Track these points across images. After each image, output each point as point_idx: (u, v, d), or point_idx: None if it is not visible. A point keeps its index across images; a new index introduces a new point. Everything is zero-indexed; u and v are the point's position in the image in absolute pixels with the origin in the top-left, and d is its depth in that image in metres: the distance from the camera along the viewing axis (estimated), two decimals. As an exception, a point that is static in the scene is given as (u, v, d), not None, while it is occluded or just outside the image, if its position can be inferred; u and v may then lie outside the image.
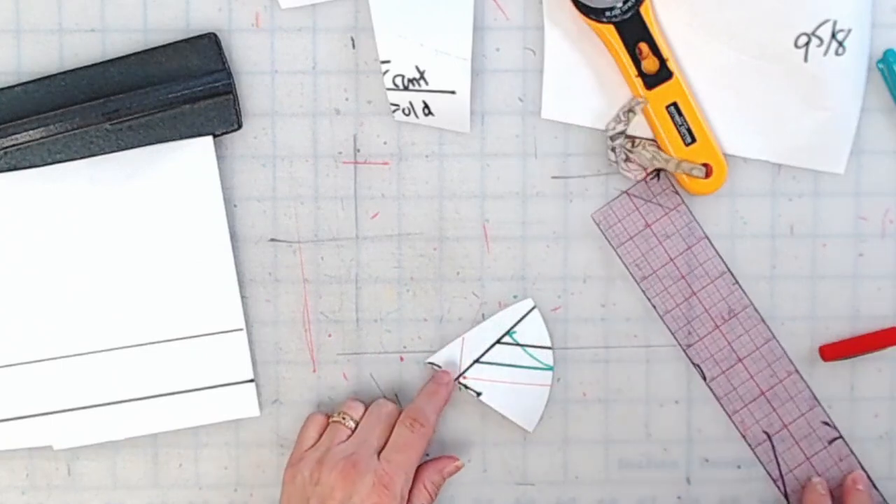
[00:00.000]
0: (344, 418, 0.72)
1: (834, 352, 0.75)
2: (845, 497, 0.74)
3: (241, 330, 0.74)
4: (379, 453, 0.70)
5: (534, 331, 0.75)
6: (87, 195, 0.72)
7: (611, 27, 0.72)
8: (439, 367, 0.75)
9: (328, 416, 0.74)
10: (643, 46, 0.72)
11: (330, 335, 0.75)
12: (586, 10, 0.72)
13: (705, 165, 0.73)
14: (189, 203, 0.73)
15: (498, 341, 0.75)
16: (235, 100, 0.73)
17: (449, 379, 0.74)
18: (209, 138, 0.73)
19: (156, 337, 0.73)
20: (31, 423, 0.73)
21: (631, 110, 0.73)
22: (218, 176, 0.73)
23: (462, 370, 0.75)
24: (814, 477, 0.75)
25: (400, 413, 0.73)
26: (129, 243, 0.73)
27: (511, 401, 0.75)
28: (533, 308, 0.75)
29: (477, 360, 0.75)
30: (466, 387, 0.75)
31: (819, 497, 0.74)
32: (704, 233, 0.75)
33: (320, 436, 0.73)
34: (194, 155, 0.73)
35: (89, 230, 0.73)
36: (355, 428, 0.72)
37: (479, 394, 0.75)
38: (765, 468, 0.76)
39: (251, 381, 0.74)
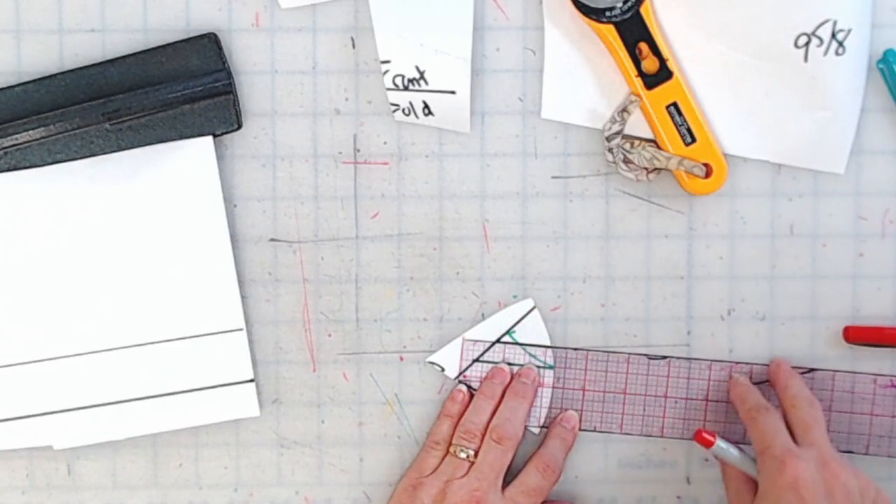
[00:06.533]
0: (462, 450, 0.72)
1: (859, 334, 0.75)
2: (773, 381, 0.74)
3: (241, 330, 0.74)
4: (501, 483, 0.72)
5: (534, 330, 0.75)
6: (87, 195, 0.72)
7: (611, 27, 0.72)
8: (440, 367, 0.75)
9: (448, 445, 0.73)
10: (643, 46, 0.72)
11: (330, 335, 0.75)
12: (586, 10, 0.72)
13: (705, 165, 0.73)
14: (189, 203, 0.73)
15: (498, 341, 0.75)
16: (235, 100, 0.73)
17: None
18: (209, 138, 0.73)
19: (156, 337, 0.73)
20: (31, 423, 0.73)
21: (625, 110, 0.73)
22: (218, 176, 0.73)
23: (462, 370, 0.75)
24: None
25: (518, 441, 0.73)
26: (129, 243, 0.73)
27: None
28: (533, 308, 0.75)
29: (477, 360, 0.75)
30: (467, 385, 0.75)
31: (742, 387, 0.74)
32: (704, 233, 0.75)
33: (439, 462, 0.73)
34: (194, 155, 0.73)
35: (89, 230, 0.73)
36: (475, 454, 0.72)
37: (479, 394, 0.75)
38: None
39: (251, 381, 0.74)
